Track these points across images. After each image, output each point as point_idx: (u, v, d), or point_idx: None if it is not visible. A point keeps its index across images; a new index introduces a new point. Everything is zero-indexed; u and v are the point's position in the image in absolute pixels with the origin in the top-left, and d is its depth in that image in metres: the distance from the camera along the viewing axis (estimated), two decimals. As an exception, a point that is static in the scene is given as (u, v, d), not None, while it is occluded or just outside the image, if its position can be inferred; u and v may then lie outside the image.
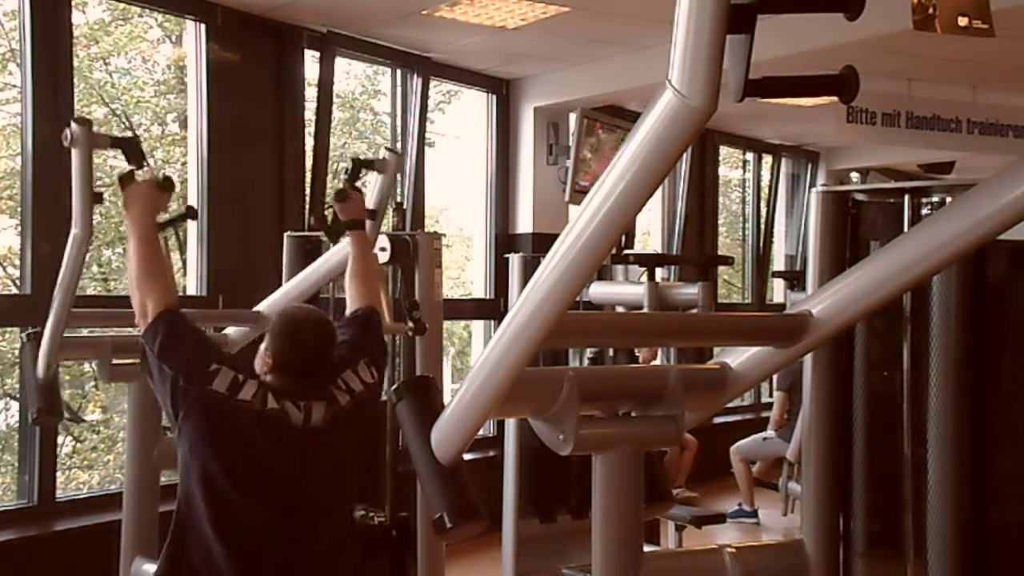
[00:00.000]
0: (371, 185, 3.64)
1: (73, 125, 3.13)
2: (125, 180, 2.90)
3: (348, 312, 3.03)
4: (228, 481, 2.54)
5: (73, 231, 3.24)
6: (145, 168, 3.08)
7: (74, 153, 3.14)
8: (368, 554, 3.95)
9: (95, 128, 3.22)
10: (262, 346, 2.69)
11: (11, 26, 5.87)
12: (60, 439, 6.25)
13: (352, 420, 2.70)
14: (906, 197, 2.82)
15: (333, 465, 2.68)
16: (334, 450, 2.66)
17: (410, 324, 3.98)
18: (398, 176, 7.43)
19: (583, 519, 3.72)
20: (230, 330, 4.13)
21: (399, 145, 7.51)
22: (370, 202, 3.51)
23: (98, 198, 3.22)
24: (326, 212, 3.37)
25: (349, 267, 3.15)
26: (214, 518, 2.54)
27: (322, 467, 2.64)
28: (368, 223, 3.37)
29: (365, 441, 2.82)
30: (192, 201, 6.21)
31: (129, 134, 3.21)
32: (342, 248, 3.47)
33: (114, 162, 7.83)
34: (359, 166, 3.51)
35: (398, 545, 4.07)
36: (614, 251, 4.61)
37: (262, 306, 4.02)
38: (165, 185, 2.87)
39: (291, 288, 4.01)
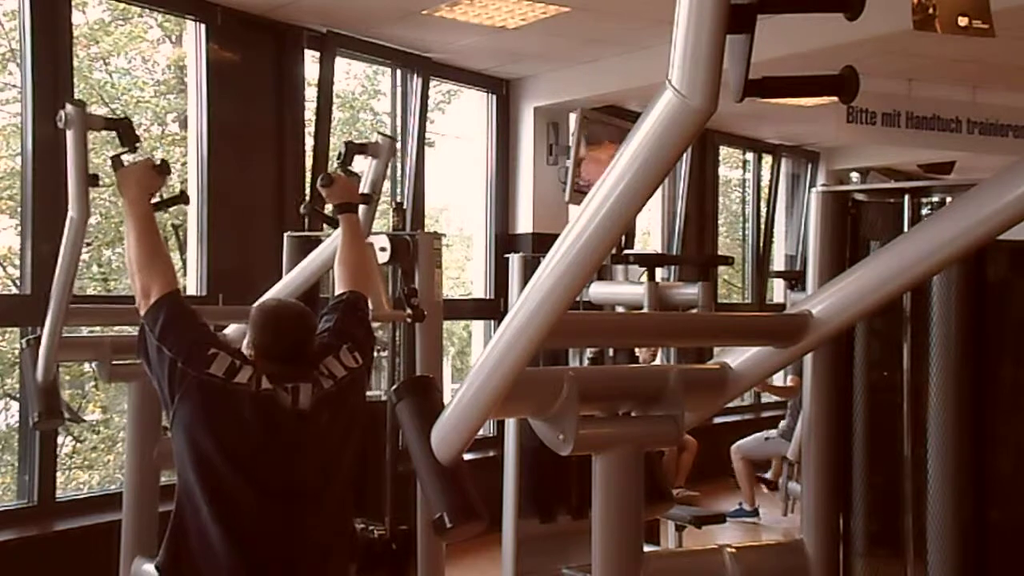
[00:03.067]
0: (365, 170, 3.63)
1: (67, 107, 3.11)
2: (118, 162, 2.90)
3: (333, 297, 3.02)
4: (223, 462, 2.56)
5: (70, 214, 3.21)
6: (139, 150, 3.07)
7: (68, 135, 3.12)
8: (368, 567, 3.94)
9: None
10: (245, 339, 2.71)
11: (11, 26, 5.87)
12: (60, 439, 6.24)
13: (338, 405, 2.70)
14: (906, 197, 2.82)
15: (322, 449, 2.68)
16: (323, 434, 2.67)
17: (408, 311, 3.96)
18: (397, 172, 7.44)
19: (583, 519, 3.72)
20: (229, 329, 4.13)
21: (399, 146, 7.51)
22: (364, 187, 3.49)
23: (94, 180, 3.19)
24: (317, 206, 3.32)
25: (338, 250, 3.13)
26: (210, 500, 2.55)
27: (312, 451, 2.65)
28: (362, 208, 3.34)
29: (354, 427, 2.81)
30: (192, 201, 6.21)
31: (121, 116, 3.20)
32: (336, 239, 3.44)
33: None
34: (352, 151, 3.49)
35: (398, 558, 4.07)
36: (614, 251, 4.61)
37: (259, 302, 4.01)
38: (161, 168, 2.88)
39: (287, 283, 4.00)
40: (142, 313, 2.67)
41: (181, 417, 2.58)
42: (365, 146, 3.59)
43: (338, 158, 3.47)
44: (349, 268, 3.07)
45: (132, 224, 2.75)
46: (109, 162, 3.00)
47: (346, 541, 2.81)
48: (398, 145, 7.51)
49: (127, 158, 3.00)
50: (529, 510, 4.89)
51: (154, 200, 2.95)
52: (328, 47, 6.74)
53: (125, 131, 3.12)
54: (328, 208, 3.43)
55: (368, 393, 3.54)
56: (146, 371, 2.70)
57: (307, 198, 2.96)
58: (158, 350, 2.60)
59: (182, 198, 3.42)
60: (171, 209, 7.26)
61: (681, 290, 4.91)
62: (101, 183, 3.23)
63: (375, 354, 3.13)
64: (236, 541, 2.56)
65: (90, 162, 3.21)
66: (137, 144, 3.10)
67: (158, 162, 2.90)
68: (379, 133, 3.69)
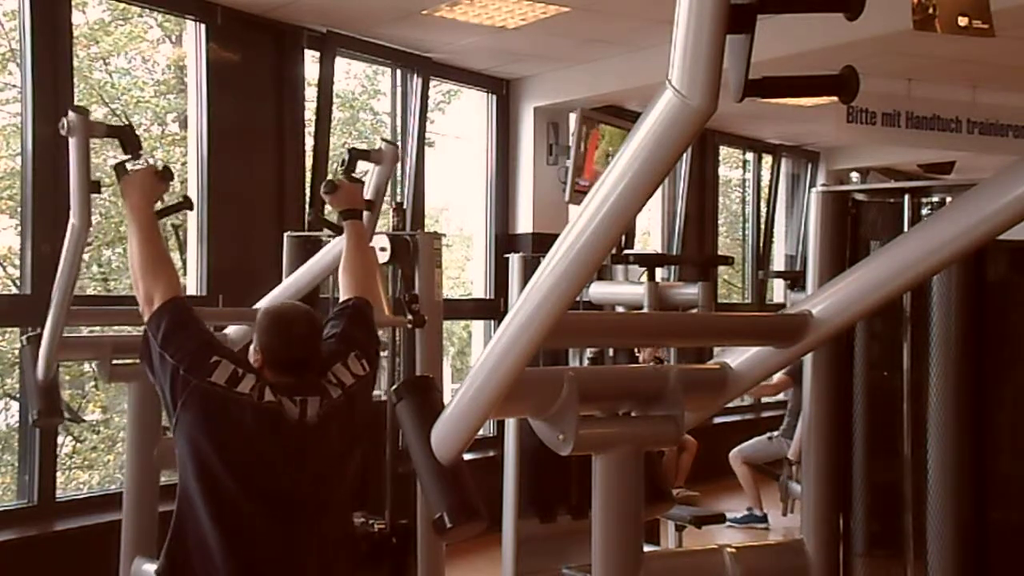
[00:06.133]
0: (368, 176, 3.62)
1: (70, 114, 3.09)
2: (121, 169, 2.89)
3: (339, 303, 3.01)
4: (226, 473, 2.54)
5: (71, 222, 3.20)
6: (141, 157, 3.06)
7: (71, 142, 3.11)
8: (368, 561, 3.93)
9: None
10: (252, 343, 2.69)
11: (11, 26, 5.87)
12: (60, 439, 6.25)
13: (345, 414, 2.69)
14: (906, 197, 2.83)
15: (328, 461, 2.67)
16: (329, 445, 2.65)
17: (409, 317, 3.96)
18: (397, 172, 7.45)
19: (583, 519, 3.72)
20: (229, 329, 4.13)
21: (399, 146, 7.51)
22: (367, 193, 3.48)
23: (95, 187, 3.18)
24: (321, 212, 3.32)
25: (343, 257, 3.11)
26: (212, 511, 2.53)
27: (317, 462, 2.63)
28: (365, 214, 3.32)
29: (360, 435, 2.80)
30: (192, 201, 6.22)
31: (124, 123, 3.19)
32: (340, 243, 3.44)
33: (114, 161, 7.84)
34: (355, 157, 3.47)
35: (398, 552, 4.07)
36: (614, 251, 4.61)
37: (262, 304, 4.01)
38: (163, 174, 2.87)
39: (290, 284, 3.99)
40: (145, 319, 2.65)
41: (183, 425, 2.56)
42: (368, 152, 3.57)
43: (341, 164, 3.46)
44: (354, 275, 3.05)
45: (135, 231, 2.73)
46: (112, 169, 2.99)
47: (348, 549, 2.79)
48: (398, 144, 7.50)
49: (130, 165, 2.99)
50: (529, 510, 4.89)
51: (158, 207, 2.94)
52: (328, 47, 6.74)
53: (127, 138, 3.10)
54: (327, 212, 3.42)
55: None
56: (150, 377, 2.68)
57: (311, 205, 2.98)
58: (160, 357, 2.58)
59: (186, 204, 3.41)
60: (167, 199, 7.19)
61: (681, 290, 4.91)
62: (103, 187, 3.22)
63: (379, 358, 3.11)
64: (235, 551, 2.54)
65: (92, 168, 3.20)
66: (140, 151, 3.09)
67: (160, 167, 2.89)
68: (382, 139, 3.68)
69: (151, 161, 2.95)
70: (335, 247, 3.65)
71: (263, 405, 2.55)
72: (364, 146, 3.64)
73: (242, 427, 2.55)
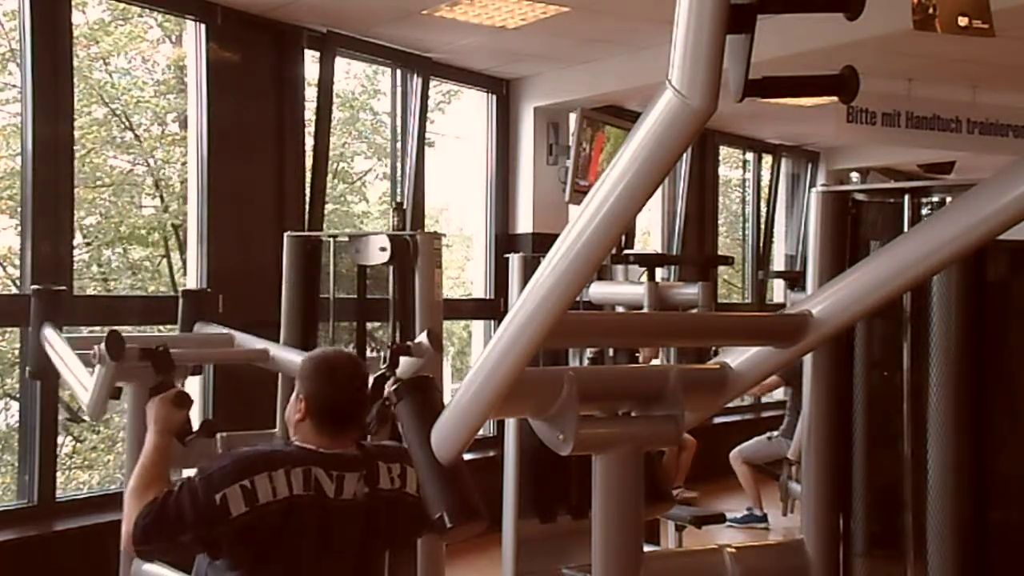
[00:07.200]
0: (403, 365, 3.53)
1: (101, 347, 3.25)
2: (155, 392, 2.87)
3: None
4: None
5: (85, 419, 3.36)
6: (173, 379, 3.04)
7: (98, 368, 3.28)
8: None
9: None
10: (294, 393, 2.60)
11: (11, 26, 5.87)
12: (60, 439, 6.25)
13: (391, 512, 2.57)
14: (906, 197, 2.82)
15: (360, 542, 2.57)
16: (362, 527, 2.55)
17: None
18: (397, 171, 7.45)
19: (583, 519, 3.71)
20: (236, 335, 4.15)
21: (399, 146, 7.51)
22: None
23: (115, 393, 3.38)
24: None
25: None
26: None
27: (348, 541, 2.54)
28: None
29: (399, 544, 2.75)
30: (192, 201, 6.23)
31: (160, 347, 3.25)
32: None
33: (114, 161, 7.84)
34: (400, 353, 3.34)
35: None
36: (614, 251, 4.61)
37: (272, 348, 3.99)
38: (178, 400, 2.82)
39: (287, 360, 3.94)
40: (136, 549, 2.50)
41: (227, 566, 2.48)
42: (409, 348, 3.49)
43: (383, 361, 3.36)
44: None
45: (143, 452, 2.67)
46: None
47: None
48: (398, 145, 7.51)
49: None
50: (529, 510, 4.88)
51: (188, 434, 2.92)
52: (328, 47, 6.74)
53: (160, 362, 3.12)
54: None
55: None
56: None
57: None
58: (180, 548, 2.48)
59: (206, 430, 3.31)
60: (171, 209, 7.21)
61: (681, 290, 4.91)
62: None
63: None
64: None
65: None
66: (172, 374, 3.10)
67: (174, 396, 2.84)
68: (427, 335, 3.58)
69: (178, 387, 2.98)
70: None
71: (294, 502, 2.44)
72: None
73: (280, 540, 2.45)
